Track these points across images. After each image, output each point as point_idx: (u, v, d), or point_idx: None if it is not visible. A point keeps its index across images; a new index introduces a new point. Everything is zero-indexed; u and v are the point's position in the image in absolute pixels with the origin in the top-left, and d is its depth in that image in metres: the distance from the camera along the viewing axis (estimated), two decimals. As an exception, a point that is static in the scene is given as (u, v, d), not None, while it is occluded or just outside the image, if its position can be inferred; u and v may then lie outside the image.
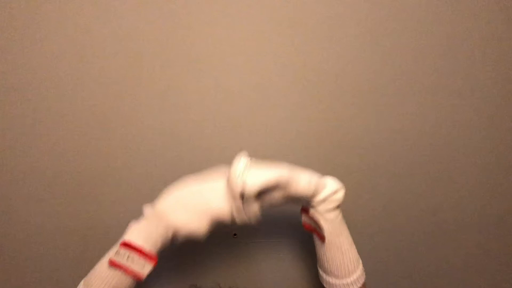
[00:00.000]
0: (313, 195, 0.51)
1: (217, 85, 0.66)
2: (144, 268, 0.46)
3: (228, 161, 0.50)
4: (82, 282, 0.48)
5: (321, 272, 0.56)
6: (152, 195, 0.50)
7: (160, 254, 0.48)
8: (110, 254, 0.46)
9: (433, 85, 0.70)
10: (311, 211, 0.53)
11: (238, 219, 0.49)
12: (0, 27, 0.59)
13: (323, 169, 0.55)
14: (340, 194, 0.52)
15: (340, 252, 0.53)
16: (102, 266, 0.46)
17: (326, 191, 0.51)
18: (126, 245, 0.45)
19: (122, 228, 0.48)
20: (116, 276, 0.45)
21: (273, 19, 0.65)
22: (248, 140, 0.68)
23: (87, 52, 0.62)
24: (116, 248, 0.46)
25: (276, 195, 0.49)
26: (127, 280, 0.46)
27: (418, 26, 0.68)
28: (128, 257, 0.45)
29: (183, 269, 0.71)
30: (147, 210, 0.48)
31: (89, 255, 0.67)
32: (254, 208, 0.49)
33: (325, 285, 0.56)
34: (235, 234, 0.71)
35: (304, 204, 0.55)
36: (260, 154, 0.59)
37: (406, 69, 0.69)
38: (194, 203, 0.48)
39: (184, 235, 0.48)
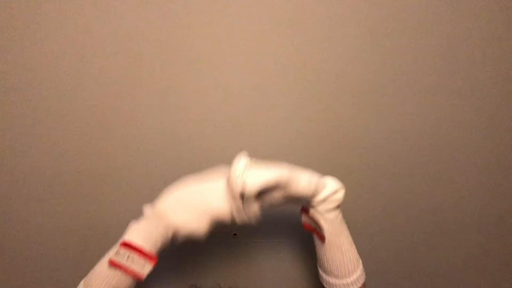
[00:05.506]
0: (313, 195, 0.51)
1: (217, 85, 0.66)
2: (144, 268, 0.46)
3: (228, 161, 0.50)
4: (82, 282, 0.48)
5: (321, 272, 0.56)
6: (152, 195, 0.50)
7: (160, 254, 0.48)
8: (110, 254, 0.46)
9: (433, 85, 0.70)
10: (311, 211, 0.53)
11: (238, 219, 0.49)
12: (0, 27, 0.59)
13: (323, 169, 0.55)
14: (340, 194, 0.52)
15: (340, 252, 0.53)
16: (102, 266, 0.46)
17: (326, 191, 0.51)
18: (126, 245, 0.45)
19: (122, 228, 0.48)
20: (116, 276, 0.45)
21: (273, 19, 0.65)
22: (248, 140, 0.68)
23: (87, 52, 0.62)
24: (116, 248, 0.46)
25: (276, 195, 0.49)
26: (127, 280, 0.46)
27: (418, 26, 0.68)
28: (128, 257, 0.45)
29: (183, 269, 0.71)
30: (147, 210, 0.48)
31: (89, 255, 0.67)
32: (254, 208, 0.49)
33: (325, 285, 0.56)
34: (235, 234, 0.71)
35: (304, 204, 0.55)
36: (260, 154, 0.59)
37: (406, 69, 0.69)
38: (194, 203, 0.48)
39: (184, 235, 0.48)
